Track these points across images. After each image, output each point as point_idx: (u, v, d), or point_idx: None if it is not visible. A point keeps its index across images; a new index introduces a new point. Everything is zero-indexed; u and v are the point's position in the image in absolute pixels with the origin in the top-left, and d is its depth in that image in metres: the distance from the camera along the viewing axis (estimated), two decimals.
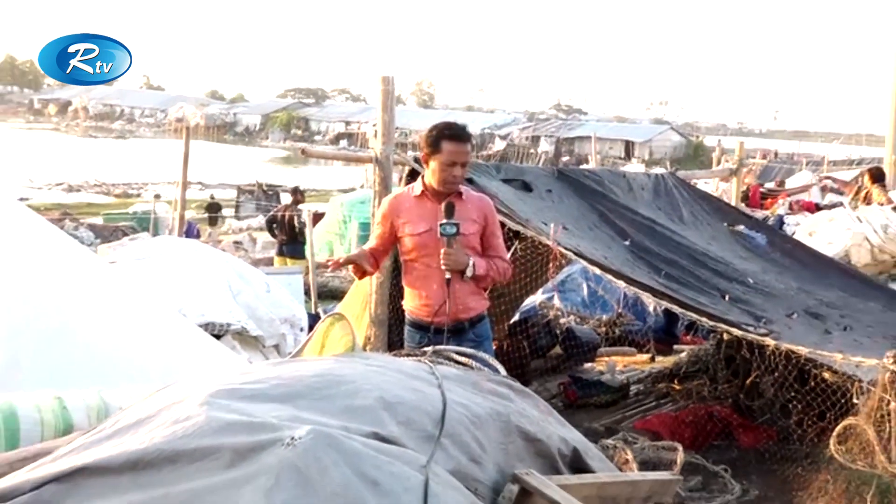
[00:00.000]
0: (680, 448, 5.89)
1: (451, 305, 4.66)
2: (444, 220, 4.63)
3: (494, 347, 5.92)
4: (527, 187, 7.19)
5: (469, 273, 4.70)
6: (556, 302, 9.80)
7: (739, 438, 6.69)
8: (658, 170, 12.57)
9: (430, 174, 4.81)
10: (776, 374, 6.40)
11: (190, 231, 16.49)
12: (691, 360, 8.07)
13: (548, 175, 7.77)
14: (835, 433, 5.17)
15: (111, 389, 2.92)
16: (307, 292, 11.50)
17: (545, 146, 62.20)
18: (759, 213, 14.25)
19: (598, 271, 6.52)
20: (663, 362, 8.66)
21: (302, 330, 7.31)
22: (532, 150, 61.09)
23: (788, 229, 12.02)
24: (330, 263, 5.36)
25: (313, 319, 7.75)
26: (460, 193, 4.85)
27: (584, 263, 6.53)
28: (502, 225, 5.57)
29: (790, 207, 16.13)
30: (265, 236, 18.50)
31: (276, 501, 1.75)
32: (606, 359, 8.81)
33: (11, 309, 3.70)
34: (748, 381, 7.07)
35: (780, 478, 5.86)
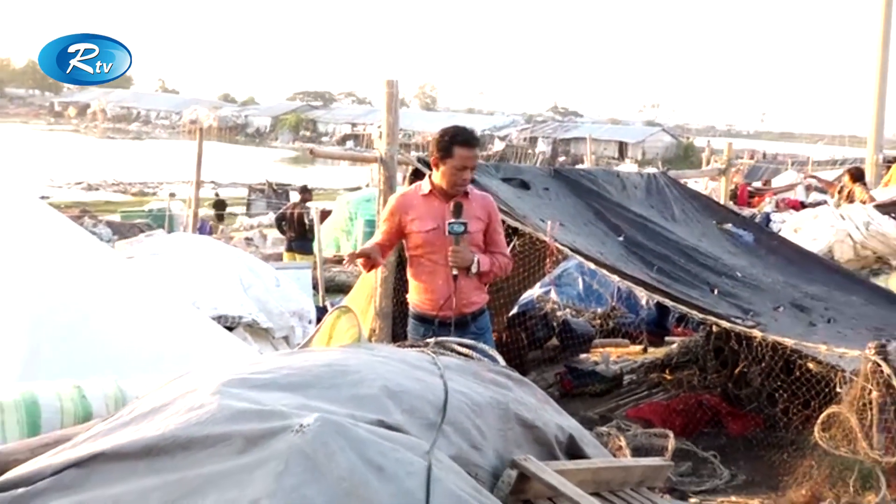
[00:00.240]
0: (671, 435, 5.89)
1: (457, 300, 4.67)
2: (453, 220, 4.64)
3: (494, 339, 5.92)
4: (525, 186, 7.17)
5: (474, 270, 4.72)
6: (553, 295, 9.80)
7: (728, 426, 6.69)
8: (650, 169, 12.55)
9: (440, 176, 4.79)
10: (763, 364, 6.40)
11: (203, 228, 16.48)
12: (682, 351, 8.06)
13: (545, 174, 7.76)
14: (819, 421, 5.17)
15: (128, 379, 2.92)
16: (315, 286, 11.48)
17: (542, 147, 62.08)
18: (746, 211, 14.22)
19: (593, 266, 6.52)
20: (655, 353, 8.65)
21: (310, 322, 7.30)
22: (530, 151, 61.00)
23: (775, 226, 12.00)
24: (345, 258, 5.36)
25: (321, 312, 7.74)
26: (466, 193, 4.85)
27: (580, 259, 6.53)
28: (502, 222, 5.56)
29: (776, 205, 16.11)
30: (275, 233, 18.45)
31: (285, 485, 1.75)
32: (601, 350, 8.81)
33: (33, 302, 3.70)
34: (736, 371, 7.06)
35: (766, 463, 5.86)
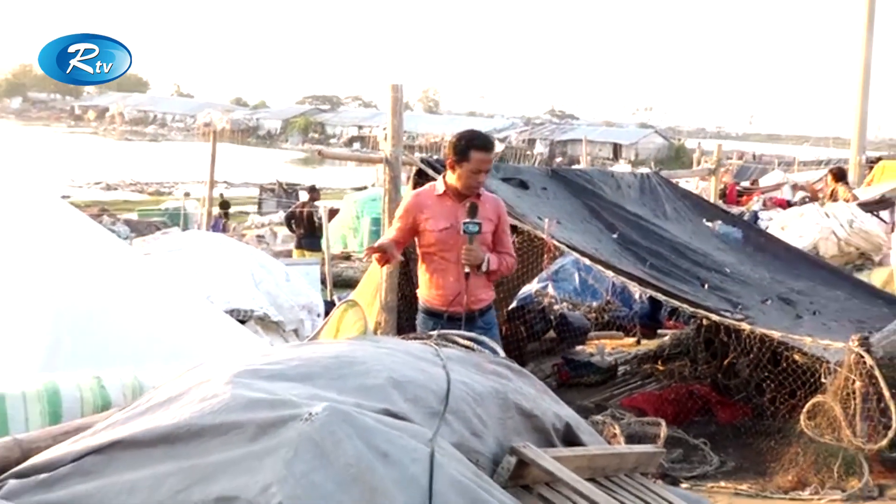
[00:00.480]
0: (663, 423, 5.88)
1: (467, 297, 4.66)
2: (468, 220, 4.64)
3: None
4: (524, 185, 7.17)
5: (484, 268, 4.72)
6: (551, 290, 9.79)
7: (718, 414, 6.69)
8: (643, 170, 12.53)
9: (455, 177, 4.77)
10: (751, 355, 6.40)
11: (216, 226, 16.49)
12: (673, 343, 8.07)
13: (543, 174, 7.76)
14: (805, 410, 5.18)
15: (145, 369, 2.92)
16: (323, 281, 11.46)
17: (540, 148, 62.02)
18: (735, 209, 14.19)
19: (588, 262, 6.53)
20: (648, 345, 8.66)
21: (319, 316, 7.31)
22: (528, 152, 60.92)
23: (762, 224, 11.96)
24: (364, 252, 5.34)
25: (329, 306, 7.74)
26: (479, 194, 4.84)
27: (576, 255, 6.53)
28: None
29: (764, 204, 16.05)
30: (285, 230, 18.44)
31: (295, 471, 1.75)
32: (596, 342, 8.81)
33: (55, 296, 3.70)
34: (725, 362, 7.06)
35: (754, 450, 5.85)
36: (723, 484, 5.38)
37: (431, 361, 2.42)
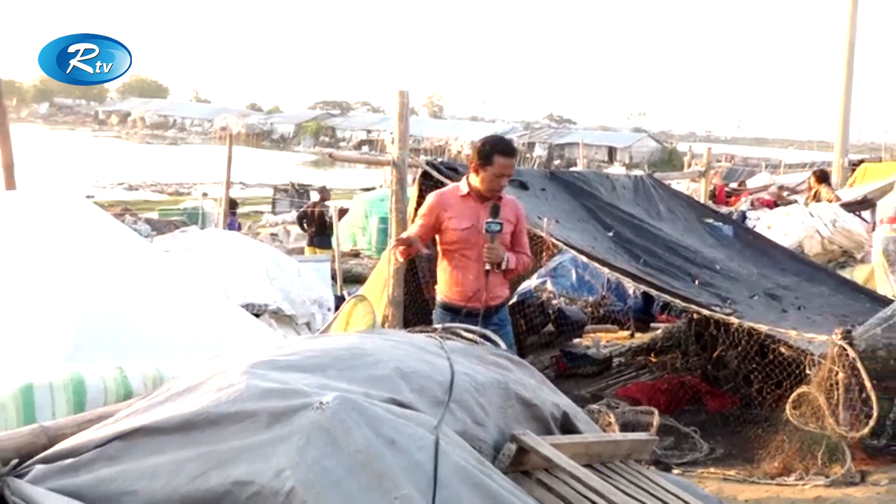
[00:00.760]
0: (656, 412, 5.87)
1: (486, 294, 4.65)
2: (491, 220, 4.63)
3: None
4: (524, 187, 7.16)
5: (504, 266, 4.70)
6: (549, 286, 9.77)
7: (707, 404, 6.67)
8: (637, 172, 12.52)
9: (479, 180, 4.75)
10: (739, 348, 6.39)
11: (232, 224, 16.50)
12: (666, 336, 8.05)
13: (542, 176, 7.75)
14: (790, 400, 5.16)
15: (165, 361, 2.92)
16: (333, 277, 11.49)
17: (539, 151, 61.96)
18: (724, 210, 14.16)
19: (585, 259, 6.51)
20: (642, 338, 8.64)
21: (329, 310, 7.32)
22: (528, 155, 60.83)
23: (750, 223, 11.94)
24: (392, 244, 5.25)
25: (339, 301, 7.76)
26: (500, 196, 4.82)
27: (574, 252, 6.51)
28: None
29: (751, 204, 16.02)
30: (297, 229, 18.45)
31: (307, 458, 1.75)
32: (592, 335, 8.79)
33: (80, 291, 3.70)
34: (715, 354, 7.05)
35: (742, 438, 5.84)
36: (712, 470, 5.37)
37: (436, 353, 2.43)
